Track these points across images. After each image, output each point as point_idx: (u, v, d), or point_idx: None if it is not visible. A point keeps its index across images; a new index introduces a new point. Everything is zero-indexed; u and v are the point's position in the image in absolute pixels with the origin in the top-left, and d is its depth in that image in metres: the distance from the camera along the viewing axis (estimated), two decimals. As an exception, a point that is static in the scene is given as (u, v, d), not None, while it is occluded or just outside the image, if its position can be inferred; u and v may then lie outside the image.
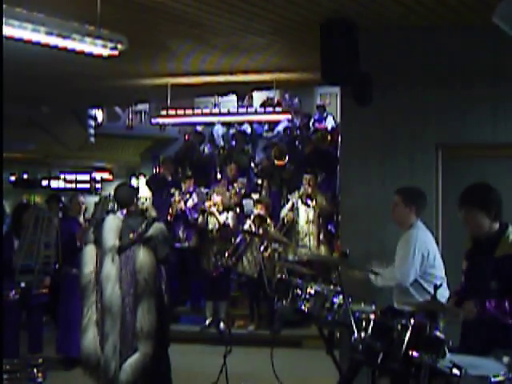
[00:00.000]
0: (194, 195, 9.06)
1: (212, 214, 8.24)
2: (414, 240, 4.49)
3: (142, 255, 4.88)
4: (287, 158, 9.97)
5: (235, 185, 9.58)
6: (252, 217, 8.20)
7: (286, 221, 8.27)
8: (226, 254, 8.11)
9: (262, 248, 7.88)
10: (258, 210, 8.19)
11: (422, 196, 4.70)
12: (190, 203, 8.92)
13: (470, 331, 3.68)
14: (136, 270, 4.86)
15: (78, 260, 6.56)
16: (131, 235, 4.96)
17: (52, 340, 6.78)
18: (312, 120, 12.45)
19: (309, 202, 8.19)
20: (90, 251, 5.04)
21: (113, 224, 5.02)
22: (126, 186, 6.02)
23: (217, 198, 8.32)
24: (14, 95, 9.18)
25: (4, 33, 3.82)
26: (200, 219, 8.34)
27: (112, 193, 6.00)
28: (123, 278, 4.87)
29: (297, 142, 11.49)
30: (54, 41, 4.12)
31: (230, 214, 8.31)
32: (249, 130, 12.26)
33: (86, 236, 5.78)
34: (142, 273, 4.84)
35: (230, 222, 8.25)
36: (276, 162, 9.95)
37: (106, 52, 4.37)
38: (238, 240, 8.23)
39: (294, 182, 9.33)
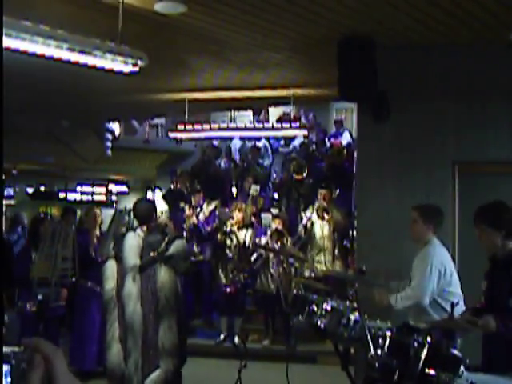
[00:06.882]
0: (207, 211, 9.02)
1: (234, 233, 8.19)
2: (431, 257, 4.49)
3: (163, 274, 4.85)
4: (306, 172, 9.94)
5: (251, 198, 9.55)
6: (270, 231, 8.17)
7: (302, 236, 8.24)
8: (244, 272, 8.08)
9: (278, 263, 7.85)
10: (276, 225, 8.14)
11: (441, 214, 4.73)
12: (201, 217, 8.92)
13: (490, 349, 3.64)
14: (157, 288, 4.84)
15: (93, 273, 6.66)
16: (152, 254, 4.91)
17: (68, 352, 6.80)
18: (328, 135, 12.45)
19: (325, 215, 8.15)
20: (110, 267, 4.98)
21: (133, 242, 4.95)
22: (144, 201, 5.89)
23: (238, 215, 8.25)
24: (34, 109, 9.33)
25: (28, 49, 3.90)
26: (219, 236, 8.27)
27: (127, 206, 5.94)
28: (144, 296, 4.84)
29: (313, 157, 11.47)
30: (76, 57, 4.18)
31: (249, 230, 8.26)
32: (265, 145, 12.27)
33: (103, 250, 5.75)
34: (163, 291, 4.82)
35: (248, 239, 8.19)
36: (295, 176, 9.91)
37: (126, 68, 4.43)
38: (254, 256, 8.19)
39: (310, 197, 9.31)
